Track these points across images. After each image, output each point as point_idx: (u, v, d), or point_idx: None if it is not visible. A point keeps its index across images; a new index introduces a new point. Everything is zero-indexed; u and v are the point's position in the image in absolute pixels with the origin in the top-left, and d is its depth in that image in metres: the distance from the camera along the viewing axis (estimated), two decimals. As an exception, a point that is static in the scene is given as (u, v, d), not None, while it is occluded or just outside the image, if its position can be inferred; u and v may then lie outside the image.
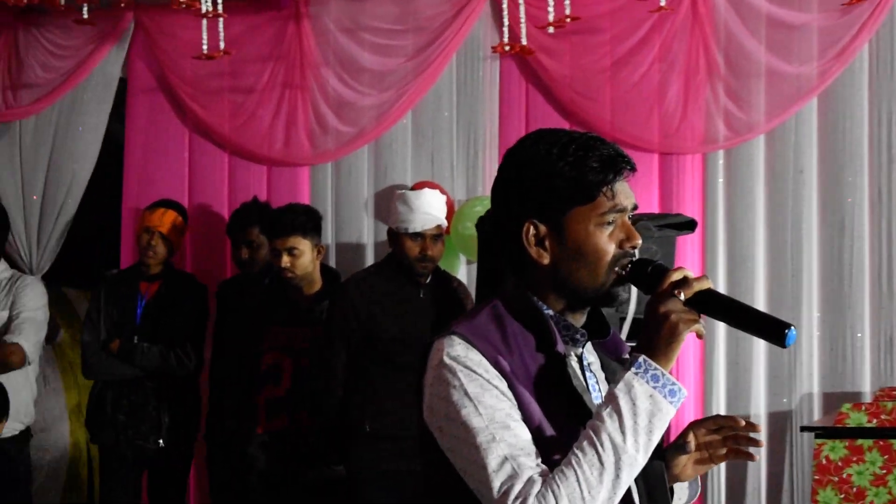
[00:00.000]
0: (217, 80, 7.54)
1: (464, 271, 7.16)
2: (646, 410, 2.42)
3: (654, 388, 2.44)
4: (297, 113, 7.42)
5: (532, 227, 2.59)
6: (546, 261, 2.59)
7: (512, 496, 2.38)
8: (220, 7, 6.26)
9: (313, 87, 7.41)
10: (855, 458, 5.80)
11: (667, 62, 6.97)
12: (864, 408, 5.89)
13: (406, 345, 5.81)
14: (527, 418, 2.49)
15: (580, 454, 2.41)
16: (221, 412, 6.84)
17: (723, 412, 6.78)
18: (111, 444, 6.79)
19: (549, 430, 2.50)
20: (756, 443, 2.67)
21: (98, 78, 7.66)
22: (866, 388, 6.66)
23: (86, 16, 6.62)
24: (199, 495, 7.54)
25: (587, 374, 2.68)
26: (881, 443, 5.79)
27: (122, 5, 7.18)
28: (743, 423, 2.69)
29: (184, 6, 6.10)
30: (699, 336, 2.52)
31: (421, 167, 7.37)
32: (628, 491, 2.51)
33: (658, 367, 2.46)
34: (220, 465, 6.94)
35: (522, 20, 6.62)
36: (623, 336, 5.48)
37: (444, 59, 7.28)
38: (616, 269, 2.58)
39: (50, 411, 7.83)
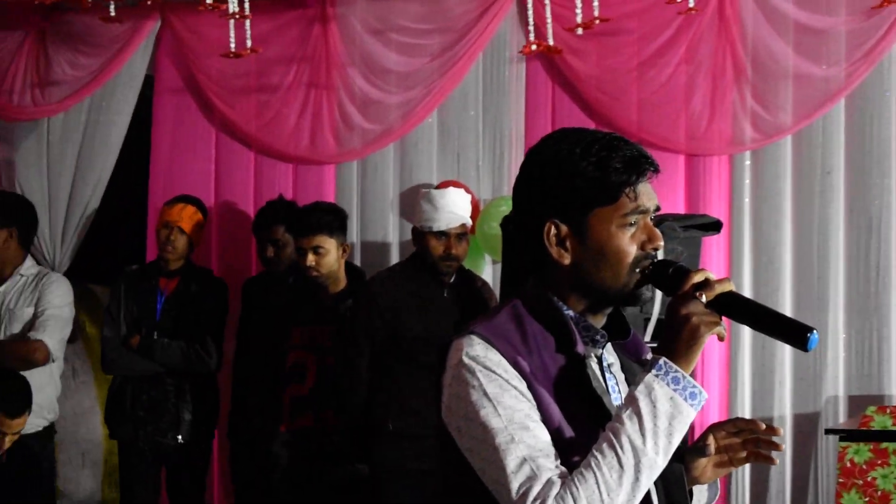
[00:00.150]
0: (244, 78, 7.54)
1: (489, 271, 7.15)
2: (666, 413, 2.41)
3: (675, 390, 2.43)
4: (323, 111, 7.42)
5: (553, 227, 2.58)
6: (567, 261, 2.58)
7: (530, 498, 2.38)
8: (246, 7, 6.26)
9: (339, 86, 7.41)
10: (879, 462, 5.78)
11: (693, 63, 6.94)
12: (889, 411, 5.87)
13: (430, 344, 5.79)
14: (546, 419, 2.48)
15: (599, 456, 2.40)
16: (245, 410, 6.85)
17: (748, 414, 6.77)
18: (130, 439, 6.80)
19: (569, 432, 2.49)
20: (776, 446, 2.65)
21: (125, 76, 7.67)
22: (893, 390, 6.62)
23: (112, 13, 6.63)
24: (222, 494, 7.55)
25: (607, 375, 2.67)
26: (906, 447, 5.78)
27: (149, 3, 7.19)
28: (763, 426, 2.67)
29: (210, 7, 6.10)
30: (720, 338, 2.50)
31: (446, 166, 7.36)
32: (647, 493, 2.50)
33: (679, 369, 2.44)
34: (243, 463, 6.95)
35: (549, 20, 6.61)
36: (647, 337, 5.49)
37: (470, 58, 7.27)
38: (637, 270, 2.56)
39: (80, 404, 7.84)
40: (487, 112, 7.33)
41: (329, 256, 6.32)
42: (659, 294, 5.05)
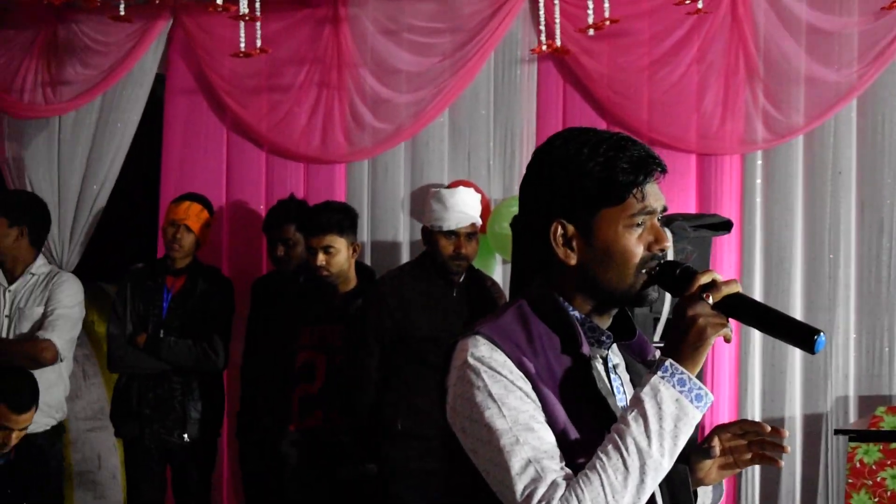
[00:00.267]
0: (255, 78, 7.54)
1: (499, 271, 7.15)
2: (671, 415, 2.41)
3: (681, 392, 2.43)
4: (334, 111, 7.41)
5: (560, 227, 2.58)
6: (573, 261, 2.58)
7: (535, 499, 2.38)
8: (257, 7, 6.26)
9: (350, 86, 7.40)
10: (889, 462, 5.77)
11: (705, 63, 6.93)
12: (898, 411, 5.87)
13: (439, 344, 5.78)
14: (551, 421, 2.48)
15: (605, 458, 2.40)
16: (254, 410, 6.85)
17: (758, 414, 6.77)
18: (136, 437, 6.80)
19: (574, 433, 2.49)
20: (782, 449, 2.65)
21: (136, 75, 7.68)
22: (903, 391, 6.64)
23: (122, 13, 6.63)
24: (232, 493, 7.56)
25: (612, 376, 2.67)
26: (916, 447, 5.77)
27: (157, 2, 7.20)
28: (769, 429, 2.66)
29: (221, 9, 6.10)
30: (727, 340, 2.50)
31: (457, 166, 7.35)
32: (652, 494, 2.49)
33: (685, 371, 2.44)
34: (253, 462, 6.95)
35: (557, 20, 6.60)
36: (656, 336, 5.49)
37: (481, 57, 7.26)
38: (644, 271, 2.56)
39: (91, 406, 7.85)
40: (499, 111, 7.33)
41: (339, 256, 6.31)
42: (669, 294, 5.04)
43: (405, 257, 7.27)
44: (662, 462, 2.40)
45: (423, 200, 6.64)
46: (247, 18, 6.08)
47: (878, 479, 5.77)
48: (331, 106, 7.42)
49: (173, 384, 6.77)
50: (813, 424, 6.75)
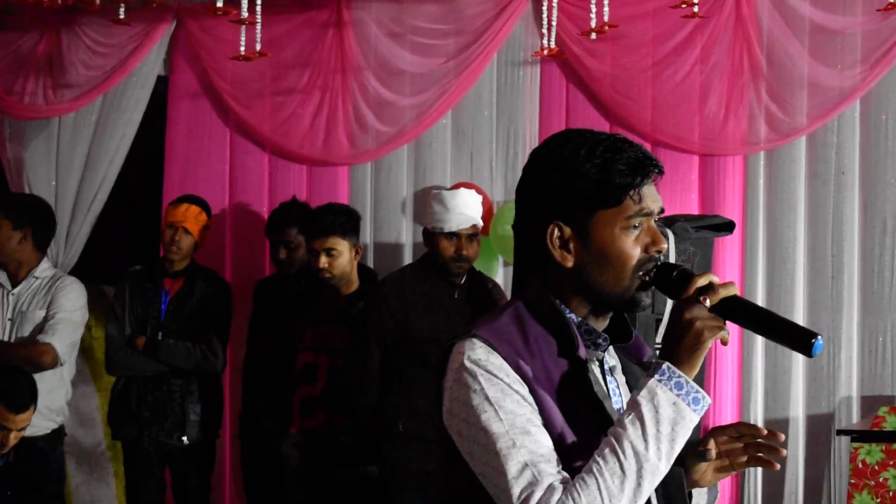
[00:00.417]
0: (259, 80, 7.55)
1: (501, 273, 7.14)
2: (668, 418, 2.40)
3: (678, 395, 2.42)
4: (338, 113, 7.42)
5: (557, 230, 2.57)
6: (570, 263, 2.57)
7: (532, 503, 2.37)
8: (258, 11, 6.25)
9: (353, 87, 7.40)
10: (892, 462, 5.76)
11: (709, 63, 6.93)
12: (901, 411, 5.87)
13: (440, 345, 5.77)
14: (548, 424, 2.47)
15: (601, 462, 2.39)
16: (256, 411, 6.85)
17: (761, 415, 6.77)
18: (135, 440, 6.79)
19: (571, 437, 2.49)
20: (778, 451, 2.63)
21: (137, 76, 7.68)
22: (906, 391, 6.63)
23: (122, 16, 6.63)
24: (233, 495, 7.56)
25: (608, 378, 2.66)
26: (918, 447, 5.76)
27: (155, 5, 7.19)
28: (765, 431, 2.65)
29: (221, 12, 6.11)
30: (724, 343, 2.49)
31: (460, 167, 7.35)
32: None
33: (682, 374, 2.44)
34: (254, 464, 6.96)
35: (553, 23, 6.60)
36: (658, 337, 5.48)
37: (484, 58, 7.26)
38: (640, 273, 2.55)
39: (88, 414, 7.85)
40: (501, 113, 7.32)
41: (342, 258, 6.31)
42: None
43: (407, 259, 7.27)
44: (659, 466, 2.40)
45: (426, 202, 6.64)
46: (247, 22, 6.07)
47: (881, 480, 5.76)
48: (334, 108, 7.42)
49: (172, 386, 6.77)
50: (815, 425, 6.74)
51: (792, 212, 6.83)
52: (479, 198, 6.22)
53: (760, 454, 2.66)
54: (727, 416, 6.71)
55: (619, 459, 2.38)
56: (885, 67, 6.68)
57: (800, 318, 6.72)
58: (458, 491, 2.57)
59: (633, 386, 2.63)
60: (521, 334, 2.55)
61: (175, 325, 6.80)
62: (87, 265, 7.62)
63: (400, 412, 5.94)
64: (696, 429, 2.52)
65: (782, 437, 2.64)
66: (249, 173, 7.66)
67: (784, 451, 2.63)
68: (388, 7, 7.42)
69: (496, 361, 2.49)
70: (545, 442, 2.44)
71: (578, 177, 2.55)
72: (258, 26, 6.35)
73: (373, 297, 6.12)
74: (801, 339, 2.44)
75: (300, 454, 6.38)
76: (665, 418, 2.40)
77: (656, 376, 2.43)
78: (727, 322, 2.48)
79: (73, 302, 6.62)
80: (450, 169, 7.37)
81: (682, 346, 2.45)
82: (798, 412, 6.77)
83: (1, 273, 6.71)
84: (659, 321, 5.56)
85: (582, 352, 2.55)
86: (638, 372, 2.70)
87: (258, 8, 6.22)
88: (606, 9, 6.34)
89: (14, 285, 6.69)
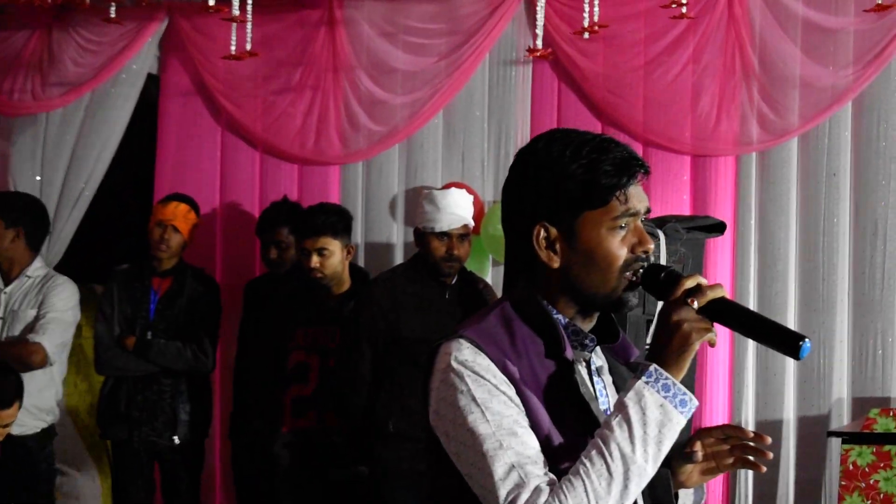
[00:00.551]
0: (251, 79, 7.54)
1: (491, 272, 7.13)
2: (656, 420, 2.40)
3: (665, 397, 2.41)
4: (329, 112, 7.41)
5: (543, 230, 2.56)
6: (556, 264, 2.57)
7: (518, 505, 2.37)
8: (248, 10, 6.25)
9: (345, 87, 7.40)
10: (882, 464, 5.75)
11: (701, 63, 6.93)
12: (892, 413, 5.85)
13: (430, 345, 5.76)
14: (535, 425, 2.47)
15: (588, 463, 2.39)
16: (247, 411, 6.84)
17: (752, 417, 6.76)
18: (124, 439, 6.78)
19: (558, 438, 2.48)
20: (764, 454, 2.63)
21: (127, 74, 7.66)
22: (896, 393, 6.62)
23: (113, 15, 6.62)
24: (223, 495, 7.54)
25: (595, 379, 2.66)
26: (909, 449, 5.76)
27: (145, 3, 7.19)
28: (751, 434, 2.65)
29: (213, 10, 6.10)
30: (711, 345, 2.49)
31: (452, 167, 7.34)
32: None
33: (669, 376, 2.43)
34: (244, 464, 6.95)
35: (540, 23, 6.59)
36: (649, 338, 5.46)
37: (476, 58, 7.25)
38: (627, 274, 2.55)
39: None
40: (493, 113, 7.32)
41: (333, 258, 6.30)
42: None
43: (399, 259, 7.26)
44: (646, 468, 2.39)
45: (417, 202, 6.63)
46: (238, 20, 6.07)
47: (872, 482, 5.75)
48: (325, 107, 7.42)
49: (163, 386, 6.76)
50: (806, 427, 6.73)
51: (783, 213, 6.82)
52: (471, 198, 6.21)
53: (747, 456, 2.65)
54: (718, 418, 6.70)
55: (605, 461, 2.37)
56: (878, 68, 6.67)
57: (791, 319, 6.71)
58: (445, 492, 2.56)
59: (621, 387, 2.63)
60: (508, 335, 2.55)
61: (164, 324, 6.78)
62: (78, 264, 7.59)
63: (391, 412, 5.93)
64: (686, 429, 2.52)
65: (769, 439, 2.64)
66: (240, 172, 7.65)
67: (770, 454, 2.62)
68: (380, 6, 7.41)
69: (483, 362, 2.49)
70: (532, 443, 2.44)
71: (564, 177, 2.54)
72: (249, 25, 6.35)
73: (364, 298, 6.11)
74: (788, 342, 2.44)
75: (291, 454, 6.37)
76: (652, 420, 2.39)
77: (643, 378, 2.43)
78: (715, 324, 2.47)
79: (64, 302, 6.61)
80: (441, 169, 7.36)
81: (669, 348, 2.45)
82: (789, 414, 6.76)
83: (-7, 272, 6.72)
84: (650, 322, 5.55)
85: (569, 352, 2.55)
86: (625, 372, 2.69)
87: (249, 7, 6.21)
88: (597, 9, 6.33)
89: (6, 284, 6.69)
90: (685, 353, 2.45)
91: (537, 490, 2.37)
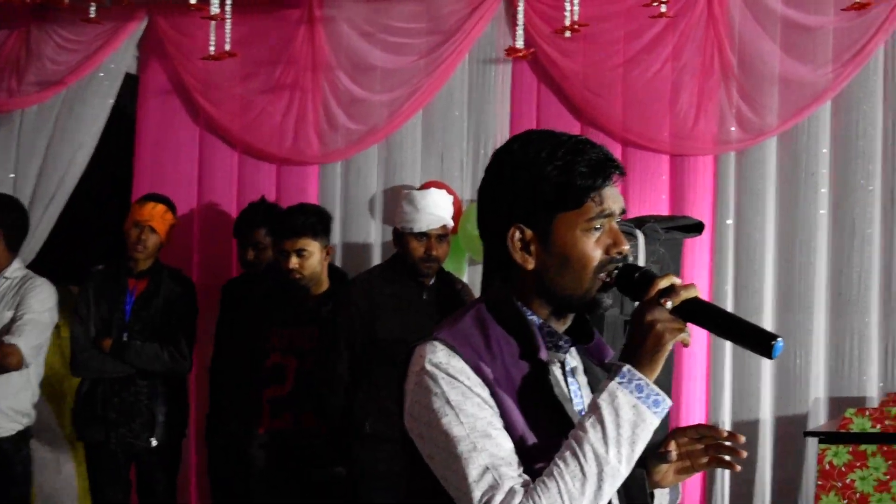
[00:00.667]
0: (229, 78, 7.52)
1: (468, 272, 7.13)
2: (629, 421, 2.40)
3: (638, 398, 2.41)
4: (308, 111, 7.40)
5: (518, 232, 2.56)
6: (531, 266, 2.56)
7: (492, 507, 2.37)
8: (227, 9, 6.24)
9: (324, 86, 7.39)
10: (858, 464, 5.76)
11: (680, 62, 6.93)
12: (868, 413, 5.86)
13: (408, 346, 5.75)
14: (509, 427, 2.47)
15: (562, 465, 2.39)
16: (223, 412, 6.83)
17: (728, 417, 6.77)
18: (101, 441, 6.75)
19: (532, 439, 2.48)
20: (738, 453, 2.64)
21: (105, 72, 7.64)
22: (874, 392, 6.63)
23: (93, 15, 6.61)
24: (199, 496, 7.52)
25: (570, 380, 2.66)
26: (885, 448, 5.75)
27: (126, 3, 7.17)
28: (725, 433, 2.66)
29: (194, 8, 6.09)
30: (684, 345, 2.49)
31: (430, 167, 7.34)
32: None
33: (642, 376, 2.43)
34: (221, 465, 6.93)
35: (520, 23, 6.58)
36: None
37: (456, 57, 7.26)
38: (601, 275, 2.55)
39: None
40: (472, 112, 7.32)
41: (312, 259, 6.28)
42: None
43: (377, 259, 7.26)
44: (620, 468, 2.40)
45: (395, 202, 6.63)
46: (218, 18, 6.06)
47: (848, 481, 5.76)
48: (304, 107, 7.41)
49: (139, 388, 6.73)
50: (783, 426, 6.74)
51: (761, 213, 6.83)
52: (450, 198, 6.21)
53: (721, 455, 2.66)
54: (696, 418, 6.71)
55: (579, 462, 2.37)
56: (857, 67, 6.68)
57: (768, 319, 6.72)
58: (421, 493, 2.56)
59: (596, 388, 2.63)
60: (482, 337, 2.55)
61: (140, 325, 6.76)
62: (54, 264, 7.54)
63: (368, 413, 5.92)
64: (663, 430, 2.52)
65: (742, 438, 2.64)
66: (219, 172, 7.64)
67: (744, 453, 2.63)
68: (360, 6, 7.40)
69: (457, 364, 2.48)
70: (506, 445, 2.44)
71: (540, 179, 2.54)
72: (228, 24, 6.34)
73: (341, 298, 6.10)
74: (761, 341, 2.44)
75: (267, 455, 6.36)
76: (625, 421, 2.39)
77: (617, 379, 2.43)
78: (689, 324, 2.48)
79: (42, 303, 6.57)
80: (420, 169, 7.36)
81: (643, 349, 2.45)
82: (766, 414, 6.77)
83: (-30, 273, 6.68)
84: (627, 322, 5.55)
85: (543, 354, 2.55)
86: (600, 373, 2.69)
87: (228, 6, 6.20)
88: (577, 8, 6.34)
89: (-16, 286, 6.65)
90: (658, 354, 2.45)
91: (511, 491, 2.37)
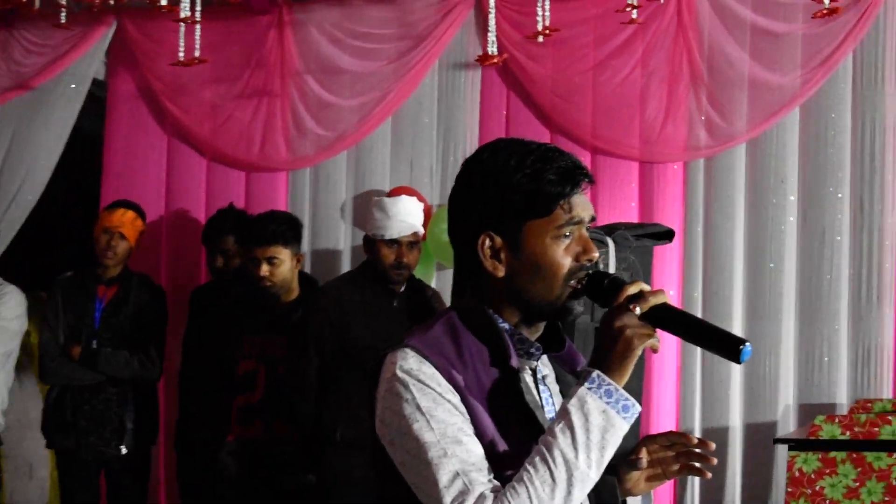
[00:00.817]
0: (197, 83, 7.50)
1: (436, 277, 7.12)
2: (598, 426, 2.40)
3: (608, 403, 2.42)
4: (276, 118, 7.38)
5: (488, 240, 2.57)
6: (501, 273, 2.57)
7: (463, 512, 2.37)
8: (198, 12, 6.23)
9: (293, 92, 7.37)
10: (828, 471, 5.77)
11: (649, 68, 6.94)
12: (837, 420, 5.88)
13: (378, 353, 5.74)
14: (479, 433, 2.47)
15: (532, 470, 2.39)
16: (192, 420, 6.80)
17: (698, 424, 6.78)
18: (71, 449, 6.73)
19: (502, 445, 2.49)
20: (708, 460, 2.65)
21: (72, 76, 7.59)
22: (843, 399, 6.64)
23: (63, 20, 6.58)
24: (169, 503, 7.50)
25: (541, 387, 2.67)
26: (854, 455, 5.77)
27: (96, 10, 7.14)
28: (696, 440, 2.67)
29: (165, 10, 6.07)
30: (654, 350, 2.50)
31: (400, 173, 7.33)
32: None
33: (612, 382, 2.44)
34: (190, 472, 6.90)
35: (491, 30, 6.58)
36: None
37: (426, 63, 7.25)
38: (571, 282, 2.55)
39: (26, 414, 7.75)
40: (441, 119, 7.31)
41: (283, 267, 6.27)
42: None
43: (346, 266, 7.24)
44: (590, 473, 2.40)
45: (365, 208, 6.61)
46: (188, 21, 6.04)
47: (817, 488, 5.77)
48: (273, 112, 7.40)
49: (108, 395, 6.71)
50: (753, 433, 6.74)
51: (731, 219, 6.84)
52: (421, 205, 6.21)
53: (692, 462, 2.67)
54: (667, 425, 6.71)
55: (549, 468, 2.38)
56: (826, 73, 6.69)
57: (738, 326, 6.73)
58: (393, 500, 2.57)
59: (567, 394, 2.63)
60: (453, 344, 2.55)
61: (109, 333, 6.73)
62: (21, 270, 7.49)
63: (339, 420, 5.91)
64: (634, 435, 2.52)
65: (713, 445, 2.66)
66: (187, 178, 7.61)
67: (714, 460, 2.64)
68: (331, 11, 7.39)
69: (428, 371, 2.49)
70: (476, 451, 2.44)
71: (509, 187, 2.55)
72: (198, 28, 6.31)
73: (311, 305, 6.09)
74: (729, 346, 2.45)
75: (237, 462, 6.34)
76: (595, 426, 2.40)
77: (586, 384, 2.43)
78: (659, 330, 2.48)
79: (10, 310, 6.53)
80: (389, 175, 7.35)
81: (612, 354, 2.46)
82: (736, 421, 6.77)
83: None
84: (598, 329, 5.54)
85: (514, 361, 2.55)
86: (571, 381, 2.70)
87: (198, 9, 6.19)
88: (548, 13, 6.34)
89: (-48, 295, 6.60)
90: (628, 359, 2.45)
91: (482, 497, 2.38)
